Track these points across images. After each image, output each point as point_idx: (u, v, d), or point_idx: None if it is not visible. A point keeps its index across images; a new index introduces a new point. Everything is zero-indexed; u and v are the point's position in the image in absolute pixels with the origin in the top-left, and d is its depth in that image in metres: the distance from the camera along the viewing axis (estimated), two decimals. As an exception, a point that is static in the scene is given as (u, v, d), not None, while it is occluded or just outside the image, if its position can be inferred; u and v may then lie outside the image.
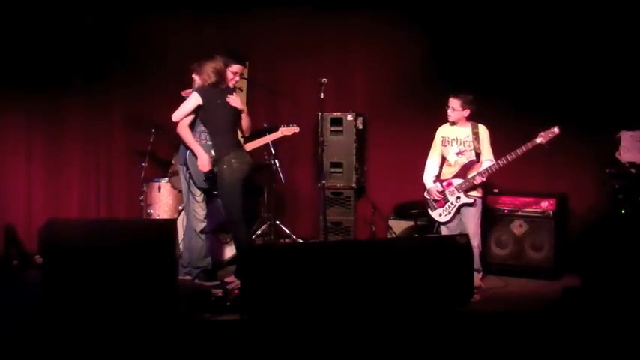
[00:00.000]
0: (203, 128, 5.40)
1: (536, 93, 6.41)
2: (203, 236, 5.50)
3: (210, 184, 5.39)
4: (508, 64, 6.48)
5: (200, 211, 5.48)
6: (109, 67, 7.14)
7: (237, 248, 5.65)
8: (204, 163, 5.27)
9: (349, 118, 6.82)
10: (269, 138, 6.21)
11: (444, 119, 5.45)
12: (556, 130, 5.17)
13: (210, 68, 5.31)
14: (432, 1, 6.78)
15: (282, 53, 7.28)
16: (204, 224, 5.49)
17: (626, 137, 5.73)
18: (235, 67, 5.44)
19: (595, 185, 6.26)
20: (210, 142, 5.34)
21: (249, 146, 6.07)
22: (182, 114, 5.27)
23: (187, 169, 5.43)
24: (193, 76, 5.47)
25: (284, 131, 6.15)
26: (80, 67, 6.97)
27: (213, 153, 5.32)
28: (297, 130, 6.17)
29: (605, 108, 6.15)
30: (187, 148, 5.38)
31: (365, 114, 7.01)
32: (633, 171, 5.69)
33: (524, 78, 6.45)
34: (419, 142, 5.98)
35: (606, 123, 6.01)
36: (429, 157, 5.51)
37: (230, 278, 5.42)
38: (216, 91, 5.30)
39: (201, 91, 5.30)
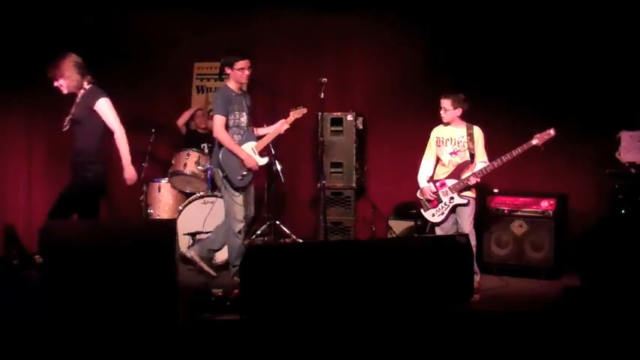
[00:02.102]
0: (235, 129, 5.45)
1: (537, 93, 6.42)
2: (241, 236, 5.51)
3: (246, 182, 5.49)
4: (508, 64, 6.49)
5: (240, 212, 5.48)
6: (109, 67, 7.12)
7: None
8: (252, 163, 5.42)
9: (349, 118, 6.81)
10: (282, 124, 5.76)
11: (441, 120, 5.45)
12: (552, 132, 5.16)
13: (70, 65, 5.07)
14: (432, 2, 6.78)
15: (282, 53, 7.28)
16: (242, 224, 5.50)
17: (626, 137, 5.73)
18: (241, 63, 5.42)
19: (595, 185, 6.27)
20: (243, 138, 5.46)
21: (267, 139, 5.73)
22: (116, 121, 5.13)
23: (223, 171, 5.43)
24: (56, 84, 5.14)
25: (294, 114, 5.81)
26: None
27: (254, 150, 5.48)
28: (305, 110, 5.95)
29: (605, 108, 6.16)
30: (220, 149, 5.40)
31: (365, 114, 7.01)
32: (633, 171, 5.69)
33: (524, 78, 6.46)
34: (419, 142, 5.97)
35: (606, 123, 6.02)
36: (423, 157, 5.49)
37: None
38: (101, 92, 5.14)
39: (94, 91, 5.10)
